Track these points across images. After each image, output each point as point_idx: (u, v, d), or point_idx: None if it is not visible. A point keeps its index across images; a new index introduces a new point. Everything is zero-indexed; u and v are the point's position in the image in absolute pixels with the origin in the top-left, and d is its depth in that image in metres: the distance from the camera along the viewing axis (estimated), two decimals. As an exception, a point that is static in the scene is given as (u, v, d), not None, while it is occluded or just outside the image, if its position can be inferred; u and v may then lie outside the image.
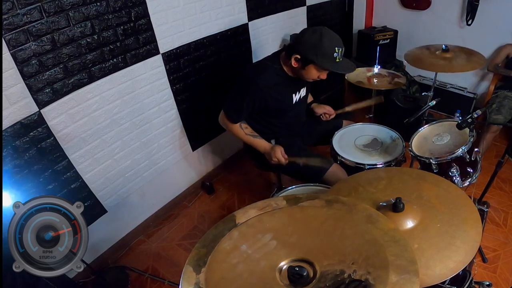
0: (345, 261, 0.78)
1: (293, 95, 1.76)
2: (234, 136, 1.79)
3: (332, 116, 1.98)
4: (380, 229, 0.88)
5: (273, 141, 1.80)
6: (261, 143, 1.73)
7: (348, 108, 2.00)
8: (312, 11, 2.98)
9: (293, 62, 1.56)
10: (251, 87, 1.62)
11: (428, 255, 0.95)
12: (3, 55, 1.37)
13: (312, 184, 1.63)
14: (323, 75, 1.60)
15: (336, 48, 1.49)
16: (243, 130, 1.73)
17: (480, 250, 1.89)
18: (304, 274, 0.76)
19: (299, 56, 1.53)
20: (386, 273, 0.74)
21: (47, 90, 1.56)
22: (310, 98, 2.07)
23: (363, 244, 0.84)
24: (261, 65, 1.69)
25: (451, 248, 0.96)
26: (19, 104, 1.49)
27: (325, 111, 1.96)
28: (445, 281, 1.14)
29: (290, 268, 0.78)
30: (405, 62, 3.20)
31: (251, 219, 0.95)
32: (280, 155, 1.64)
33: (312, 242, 0.87)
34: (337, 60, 1.51)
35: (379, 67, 2.23)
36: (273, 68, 1.65)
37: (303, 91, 1.82)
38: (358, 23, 3.56)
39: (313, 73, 1.57)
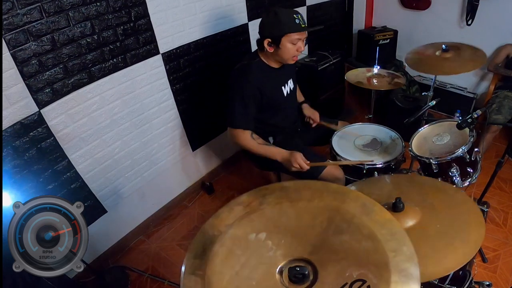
0: (346, 259, 0.78)
1: (283, 87, 1.77)
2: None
3: (314, 125, 1.99)
4: (376, 222, 0.85)
5: (270, 139, 1.80)
6: (277, 151, 1.65)
7: (335, 127, 1.98)
8: (312, 11, 2.99)
9: (268, 48, 1.61)
10: (244, 87, 1.61)
11: (422, 253, 0.94)
12: (3, 55, 1.37)
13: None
14: (300, 47, 1.61)
15: (294, 15, 1.55)
16: (255, 141, 1.67)
17: (480, 250, 1.89)
18: (306, 272, 0.76)
19: (269, 39, 1.59)
20: (387, 271, 0.74)
21: (47, 90, 1.56)
22: (301, 97, 2.07)
23: (361, 240, 0.82)
24: (243, 66, 1.69)
25: (448, 249, 0.96)
26: (19, 104, 1.48)
27: (311, 116, 1.98)
28: (445, 281, 1.14)
29: (290, 270, 0.77)
30: (404, 62, 3.21)
31: (239, 222, 0.90)
32: (301, 161, 1.57)
33: (308, 240, 0.84)
34: (302, 25, 1.56)
35: (378, 67, 2.23)
36: (254, 63, 1.67)
37: (290, 83, 1.83)
38: (358, 23, 3.56)
39: (290, 48, 1.59)
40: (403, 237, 0.81)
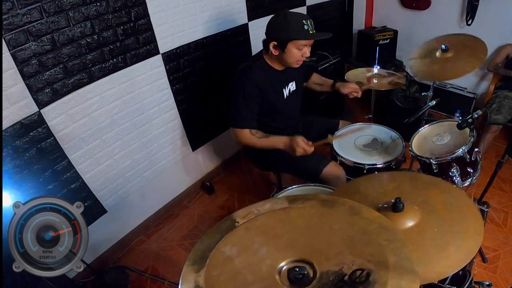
0: (342, 254, 0.79)
1: (283, 89, 1.77)
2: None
3: (359, 94, 1.94)
4: (365, 218, 0.89)
5: None
6: (279, 140, 1.63)
7: (364, 86, 1.97)
8: (312, 11, 2.98)
9: (273, 51, 1.60)
10: (246, 87, 1.61)
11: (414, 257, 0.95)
12: (3, 55, 1.37)
13: (312, 184, 1.63)
14: (305, 52, 1.59)
15: (304, 21, 1.52)
16: (255, 136, 1.66)
17: (480, 250, 1.89)
18: (305, 272, 0.76)
19: (275, 42, 1.57)
20: (384, 257, 0.76)
21: (47, 90, 1.56)
22: (328, 80, 2.05)
23: (354, 235, 0.85)
24: (245, 67, 1.68)
25: (442, 255, 0.95)
26: (19, 104, 1.48)
27: (351, 90, 1.94)
28: (445, 281, 1.14)
29: (290, 270, 0.77)
30: (405, 62, 3.21)
31: (237, 230, 0.93)
32: (304, 144, 1.54)
33: (304, 241, 0.86)
34: (311, 32, 1.54)
35: (378, 67, 2.23)
36: (257, 64, 1.67)
37: (292, 86, 1.81)
38: (358, 23, 3.56)
39: (295, 52, 1.57)
40: (394, 229, 0.84)
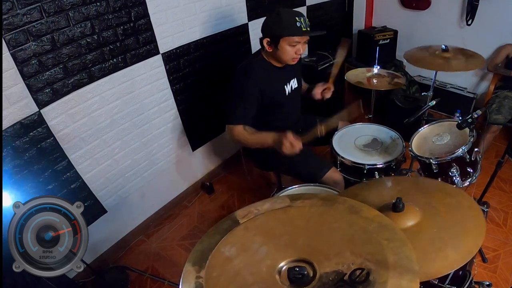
0: (342, 253, 0.79)
1: (285, 86, 1.77)
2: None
3: (331, 89, 1.93)
4: (365, 218, 0.89)
5: None
6: (269, 135, 1.58)
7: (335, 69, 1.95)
8: (312, 11, 2.98)
9: (267, 48, 1.61)
10: (245, 86, 1.61)
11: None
12: (3, 55, 1.37)
13: (312, 184, 1.63)
14: (299, 50, 1.59)
15: (297, 18, 1.52)
16: (247, 132, 1.64)
17: (480, 250, 1.89)
18: (305, 272, 0.76)
19: (269, 39, 1.58)
20: (383, 257, 0.76)
21: (47, 90, 1.56)
22: (305, 85, 2.05)
23: (353, 234, 0.85)
24: (245, 65, 1.69)
25: (438, 255, 0.95)
26: (19, 104, 1.48)
27: (322, 88, 1.93)
28: (445, 281, 1.14)
29: (290, 270, 0.77)
30: (405, 62, 3.21)
31: (237, 230, 0.93)
32: (293, 139, 1.48)
33: (304, 241, 0.87)
34: (303, 29, 1.53)
35: (378, 67, 2.23)
36: (257, 61, 1.67)
37: (293, 82, 1.81)
38: (358, 23, 3.56)
39: (288, 49, 1.57)
40: (393, 228, 0.84)
